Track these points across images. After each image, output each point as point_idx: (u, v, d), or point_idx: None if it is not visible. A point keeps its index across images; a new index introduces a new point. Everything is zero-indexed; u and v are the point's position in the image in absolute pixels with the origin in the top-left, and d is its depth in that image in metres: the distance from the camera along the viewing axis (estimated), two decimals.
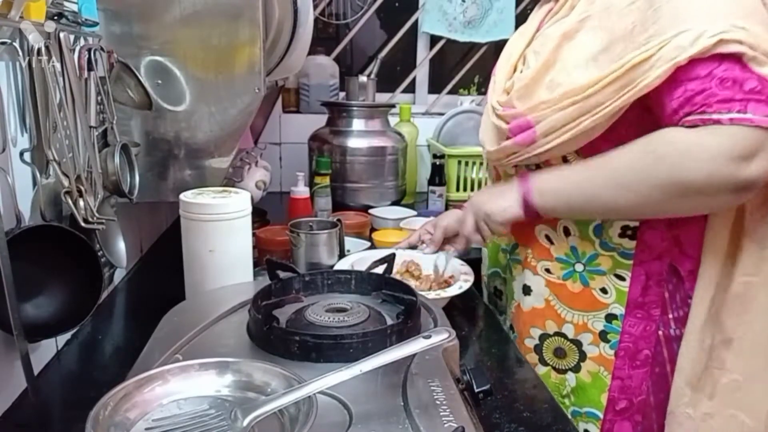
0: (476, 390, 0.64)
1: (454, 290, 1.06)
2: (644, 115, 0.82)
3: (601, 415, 0.95)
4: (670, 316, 0.91)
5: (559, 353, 0.97)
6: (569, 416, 0.95)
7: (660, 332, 0.91)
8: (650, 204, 0.82)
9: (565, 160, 0.90)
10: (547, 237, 0.96)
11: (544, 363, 0.99)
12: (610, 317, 0.93)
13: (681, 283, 0.91)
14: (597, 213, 0.90)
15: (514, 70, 0.98)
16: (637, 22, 0.79)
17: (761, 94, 0.73)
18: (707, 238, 0.89)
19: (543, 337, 0.99)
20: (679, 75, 0.76)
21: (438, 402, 0.55)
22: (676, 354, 0.91)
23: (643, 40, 0.78)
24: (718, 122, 0.73)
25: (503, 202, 0.95)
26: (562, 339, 0.97)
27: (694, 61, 0.74)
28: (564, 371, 0.98)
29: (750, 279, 0.86)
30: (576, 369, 0.96)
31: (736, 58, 0.73)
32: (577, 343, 0.95)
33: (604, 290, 0.93)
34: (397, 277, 1.11)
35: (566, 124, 0.84)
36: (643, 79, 0.77)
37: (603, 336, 0.93)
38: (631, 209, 0.85)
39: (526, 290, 1.00)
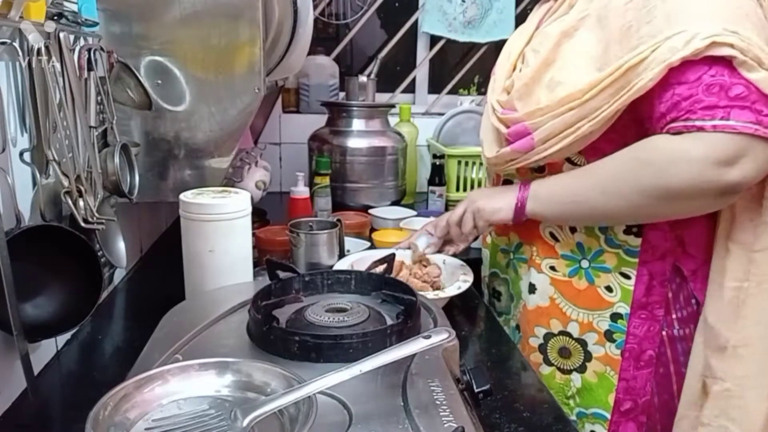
0: (476, 390, 0.64)
1: (452, 290, 1.06)
2: (643, 114, 0.83)
3: (608, 416, 0.94)
4: (674, 316, 0.91)
5: (564, 353, 0.97)
6: (575, 417, 0.95)
7: (664, 332, 0.91)
8: (638, 209, 0.84)
9: (569, 160, 0.90)
10: (552, 234, 0.96)
11: (549, 363, 0.99)
12: (615, 316, 0.92)
13: (684, 283, 0.91)
14: (586, 218, 0.92)
15: (514, 69, 0.98)
16: (633, 22, 0.80)
17: (746, 100, 0.73)
18: (714, 239, 0.89)
19: (548, 336, 0.98)
20: (670, 78, 0.77)
21: (438, 402, 0.55)
22: (679, 354, 0.91)
23: (636, 41, 0.79)
24: (701, 129, 0.75)
25: (498, 203, 0.97)
26: (567, 338, 0.96)
27: (685, 64, 0.75)
28: (569, 372, 0.97)
29: (740, 284, 0.85)
30: (581, 369, 0.96)
31: (727, 62, 0.74)
32: (582, 343, 0.95)
33: (609, 288, 0.92)
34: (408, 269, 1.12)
35: (564, 130, 0.85)
36: (638, 82, 0.78)
37: (608, 335, 0.93)
38: (619, 214, 0.87)
39: (531, 288, 1.00)
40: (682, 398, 0.91)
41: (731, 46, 0.73)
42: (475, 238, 1.12)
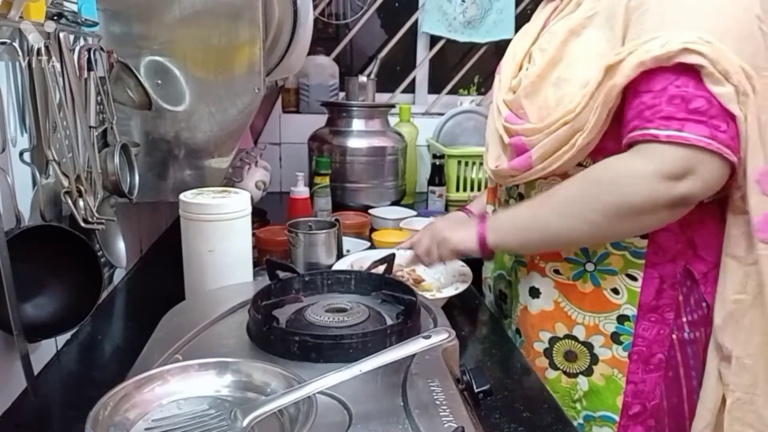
0: (476, 390, 0.64)
1: (450, 291, 1.06)
2: None
3: (617, 419, 0.93)
4: (684, 319, 0.90)
5: (570, 356, 0.96)
6: (582, 421, 0.95)
7: (674, 336, 0.90)
8: (597, 228, 0.85)
9: (579, 164, 0.90)
10: None
11: (555, 367, 0.98)
12: (622, 318, 0.92)
13: (695, 285, 0.90)
14: (549, 243, 0.93)
15: (520, 68, 0.98)
16: (630, 22, 0.80)
17: (704, 114, 0.75)
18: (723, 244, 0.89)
19: (553, 341, 0.97)
20: (640, 85, 0.78)
21: (438, 402, 0.55)
22: (689, 358, 0.91)
23: (623, 42, 0.80)
24: (655, 137, 0.76)
25: (462, 233, 0.99)
26: (573, 342, 0.95)
27: (657, 71, 0.76)
28: (575, 375, 0.96)
29: (738, 296, 0.85)
30: (588, 372, 0.95)
31: (695, 73, 0.75)
32: (589, 346, 0.94)
33: (615, 291, 0.92)
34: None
35: (560, 146, 0.86)
36: (614, 84, 0.79)
37: (615, 338, 0.92)
38: (580, 235, 0.88)
39: (534, 293, 0.99)
40: (700, 404, 0.90)
41: (701, 54, 0.74)
42: None
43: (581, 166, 0.90)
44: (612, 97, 0.80)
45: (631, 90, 0.79)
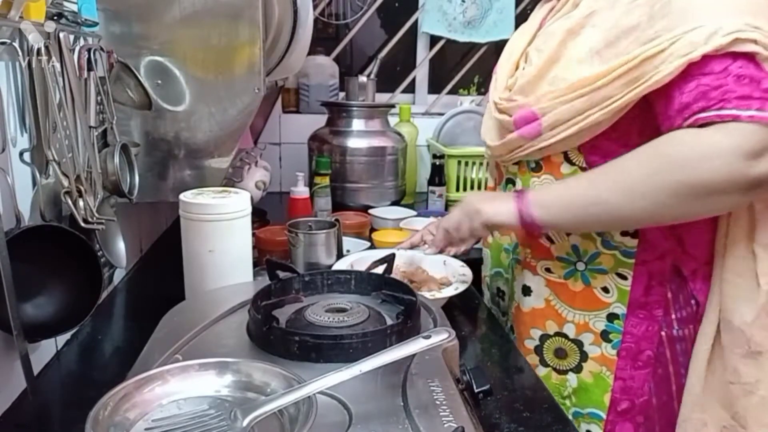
0: (476, 390, 0.64)
1: (450, 291, 1.06)
2: (647, 112, 0.82)
3: (604, 416, 0.94)
4: (673, 316, 0.91)
5: (560, 354, 0.97)
6: (570, 417, 0.95)
7: (663, 333, 0.91)
8: (663, 209, 0.78)
9: (567, 159, 0.90)
10: (547, 236, 0.96)
11: (545, 364, 0.99)
12: (611, 317, 0.92)
13: (684, 283, 0.90)
14: (603, 222, 0.87)
15: (516, 68, 0.98)
16: (644, 17, 0.79)
17: None
18: (718, 239, 0.89)
19: (543, 338, 0.98)
20: (691, 70, 0.75)
21: (438, 402, 0.55)
22: (678, 355, 0.91)
23: (652, 34, 0.77)
24: (737, 118, 0.72)
25: (498, 205, 0.91)
26: (563, 339, 0.96)
27: (707, 58, 0.74)
28: (564, 372, 0.97)
29: None
30: (577, 369, 0.96)
31: (750, 57, 0.73)
32: (578, 343, 0.95)
33: (605, 289, 0.92)
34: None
35: (573, 117, 0.84)
36: (655, 74, 0.76)
37: (605, 336, 0.93)
38: (642, 216, 0.82)
39: (526, 291, 1.00)
40: (684, 400, 0.91)
41: (755, 42, 0.72)
42: (477, 241, 1.11)
43: (568, 162, 0.89)
44: (646, 88, 0.77)
45: (677, 77, 0.75)
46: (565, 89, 0.84)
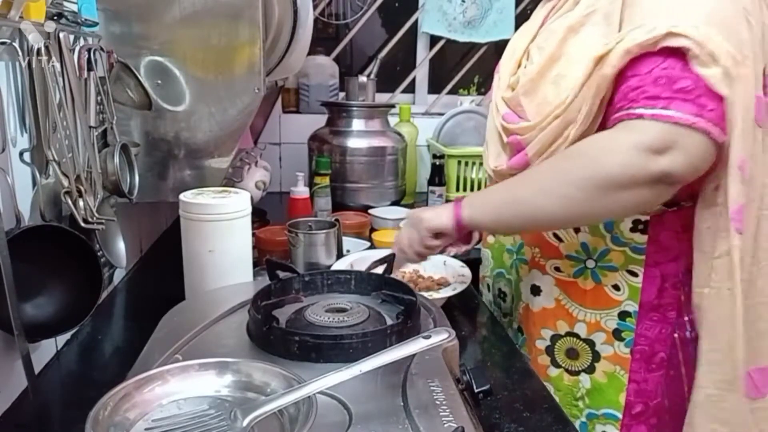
0: (476, 390, 0.64)
1: (448, 291, 1.06)
2: None
3: (620, 416, 0.93)
4: (686, 318, 0.90)
5: (572, 354, 0.96)
6: (584, 419, 0.95)
7: (675, 335, 0.90)
8: (575, 204, 0.80)
9: None
10: (555, 235, 0.96)
11: (557, 365, 0.98)
12: (623, 315, 0.92)
13: None
14: (525, 220, 0.88)
15: (518, 66, 0.98)
16: (623, 18, 0.81)
17: (690, 93, 0.73)
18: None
19: (554, 338, 0.97)
20: (627, 71, 0.78)
21: (438, 402, 0.55)
22: (691, 357, 0.90)
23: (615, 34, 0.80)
24: (640, 116, 0.75)
25: (440, 211, 0.94)
26: (575, 339, 0.96)
27: (644, 56, 0.76)
28: (577, 373, 0.96)
29: (701, 290, 0.84)
30: (590, 370, 0.95)
31: (681, 55, 0.74)
32: (590, 343, 0.95)
33: (616, 287, 0.92)
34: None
35: (554, 140, 0.85)
36: (604, 74, 0.79)
37: (617, 334, 0.92)
38: (557, 212, 0.83)
39: (535, 290, 0.99)
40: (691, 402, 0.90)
41: (686, 37, 0.73)
42: (478, 241, 1.11)
43: None
44: (603, 87, 0.80)
45: (619, 77, 0.79)
46: (542, 119, 0.86)
